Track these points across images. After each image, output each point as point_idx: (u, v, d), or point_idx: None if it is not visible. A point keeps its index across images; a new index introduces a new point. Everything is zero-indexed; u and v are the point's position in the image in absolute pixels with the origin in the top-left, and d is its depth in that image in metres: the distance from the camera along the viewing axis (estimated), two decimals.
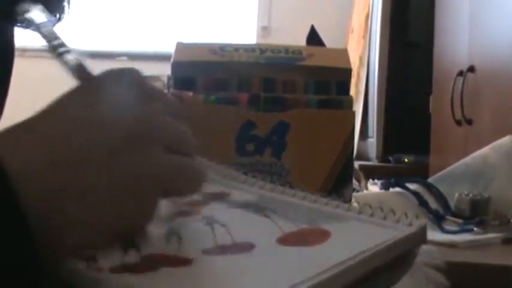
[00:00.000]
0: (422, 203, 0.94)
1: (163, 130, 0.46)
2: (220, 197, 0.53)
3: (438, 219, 0.92)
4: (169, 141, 0.46)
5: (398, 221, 0.47)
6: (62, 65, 0.49)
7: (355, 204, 0.51)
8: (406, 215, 0.47)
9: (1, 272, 0.37)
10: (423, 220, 0.47)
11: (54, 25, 0.52)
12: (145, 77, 0.49)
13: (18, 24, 0.59)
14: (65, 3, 0.60)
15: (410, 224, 0.46)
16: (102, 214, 0.42)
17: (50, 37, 0.51)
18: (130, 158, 0.43)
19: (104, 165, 0.42)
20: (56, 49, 0.50)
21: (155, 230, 0.47)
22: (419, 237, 0.46)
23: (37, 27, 0.52)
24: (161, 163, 0.45)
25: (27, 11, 0.53)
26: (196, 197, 0.52)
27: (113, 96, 0.46)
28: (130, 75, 0.48)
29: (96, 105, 0.45)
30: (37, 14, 0.53)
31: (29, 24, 0.53)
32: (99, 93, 0.46)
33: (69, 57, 0.50)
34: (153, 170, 0.44)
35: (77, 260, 0.42)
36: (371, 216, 0.48)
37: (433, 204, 0.96)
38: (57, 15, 0.60)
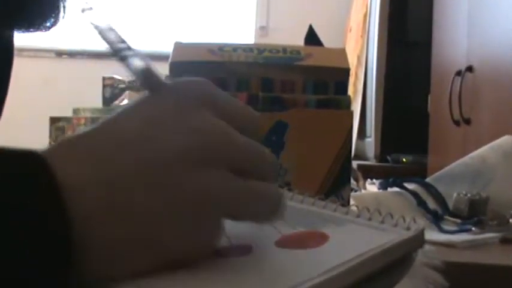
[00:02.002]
0: (421, 203, 0.94)
1: (231, 150, 0.42)
2: None
3: (436, 219, 0.92)
4: (237, 164, 0.42)
5: (396, 225, 0.47)
6: (126, 69, 0.45)
7: (353, 207, 0.51)
8: (404, 218, 0.47)
9: None
10: (421, 224, 0.47)
11: (115, 28, 0.48)
12: (217, 89, 0.45)
13: (23, 29, 0.58)
14: (61, 5, 0.60)
15: (408, 228, 0.46)
16: (154, 239, 0.39)
17: (113, 39, 0.46)
18: (188, 180, 0.40)
19: (157, 186, 0.39)
20: (120, 52, 0.46)
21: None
22: (417, 241, 0.46)
23: (98, 31, 0.48)
24: (224, 187, 0.41)
25: (86, 10, 0.51)
26: None
27: (178, 109, 0.42)
28: (204, 86, 0.45)
29: (156, 118, 0.41)
30: (97, 16, 0.49)
31: (93, 29, 0.49)
32: (166, 105, 0.42)
33: (135, 62, 0.45)
34: (214, 194, 0.40)
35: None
36: (369, 220, 0.48)
37: (432, 204, 0.96)
38: (54, 17, 0.60)
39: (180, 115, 0.42)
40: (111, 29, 0.46)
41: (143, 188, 0.39)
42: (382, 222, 0.48)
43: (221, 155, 0.41)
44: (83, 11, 0.47)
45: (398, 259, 0.45)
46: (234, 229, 0.46)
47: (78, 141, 0.41)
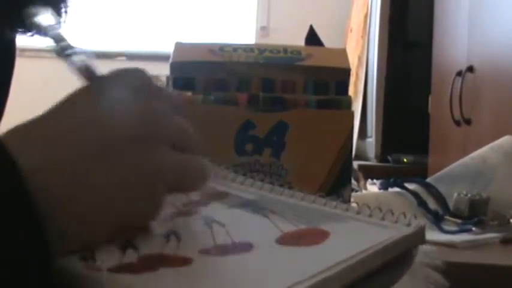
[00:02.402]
0: (421, 203, 0.94)
1: (168, 128, 0.47)
2: (219, 197, 0.53)
3: (437, 220, 0.92)
4: (173, 140, 0.47)
5: (396, 221, 0.47)
6: (69, 66, 0.50)
7: (353, 204, 0.51)
8: (404, 215, 0.47)
9: (12, 274, 0.38)
10: (422, 220, 0.47)
11: (60, 27, 0.53)
12: (151, 77, 0.50)
13: (22, 30, 0.59)
14: (63, 11, 0.61)
15: (408, 224, 0.46)
16: (108, 211, 0.43)
17: (57, 39, 0.52)
18: (136, 156, 0.44)
19: (110, 164, 0.43)
20: (63, 51, 0.51)
21: (154, 229, 0.47)
22: (418, 237, 0.46)
23: (44, 30, 0.53)
24: (166, 161, 0.46)
25: (35, 14, 0.54)
26: (195, 197, 0.52)
27: (119, 95, 0.47)
28: (136, 75, 0.49)
29: (102, 104, 0.46)
30: (44, 17, 0.54)
31: (35, 28, 0.54)
32: (105, 93, 0.47)
33: (76, 59, 0.50)
34: (159, 168, 0.45)
35: (74, 260, 0.42)
36: (369, 217, 0.48)
37: (432, 204, 0.96)
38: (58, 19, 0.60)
39: (121, 100, 0.46)
40: (55, 29, 0.52)
41: (96, 165, 0.43)
42: (383, 218, 0.48)
43: (161, 132, 0.46)
44: (31, 14, 0.53)
45: (399, 255, 0.45)
46: (234, 227, 0.46)
47: (30, 127, 0.44)
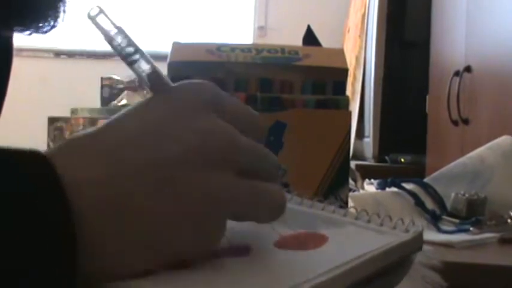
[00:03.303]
0: (419, 203, 0.94)
1: (238, 152, 0.43)
2: None
3: (434, 219, 0.92)
4: (245, 165, 0.43)
5: (395, 227, 0.47)
6: (135, 73, 0.46)
7: (352, 209, 0.51)
8: (402, 220, 0.47)
9: None
10: (420, 226, 0.47)
11: (123, 29, 0.48)
12: (224, 92, 0.45)
13: (20, 28, 0.58)
14: (61, 9, 0.60)
15: (407, 230, 0.46)
16: (157, 239, 0.39)
17: (121, 44, 0.47)
18: (192, 180, 0.40)
19: (162, 187, 0.39)
20: (128, 56, 0.46)
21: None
22: (416, 243, 0.46)
23: (106, 35, 0.48)
24: (229, 187, 0.41)
25: (97, 15, 0.51)
26: None
27: (183, 111, 0.43)
28: (209, 88, 0.45)
29: (162, 119, 0.42)
30: (104, 20, 0.50)
31: (100, 32, 0.50)
32: (172, 107, 0.43)
33: (143, 66, 0.46)
34: (218, 195, 0.41)
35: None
36: (368, 222, 0.48)
37: (430, 204, 0.96)
38: (54, 21, 0.60)
39: (185, 117, 0.42)
40: (119, 33, 0.47)
41: (145, 188, 0.39)
42: (381, 224, 0.48)
43: (225, 157, 0.42)
44: (89, 16, 0.48)
45: (397, 261, 0.45)
46: (233, 230, 0.46)
47: (81, 141, 0.41)
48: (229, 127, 0.43)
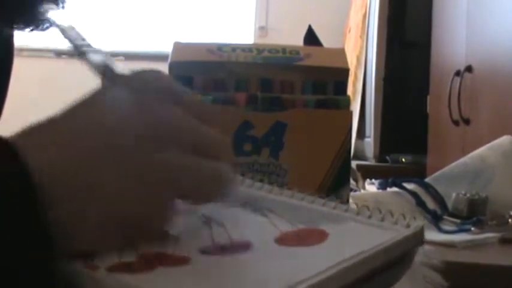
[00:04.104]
0: (420, 203, 0.94)
1: (181, 132, 0.46)
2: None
3: (436, 219, 0.92)
4: (189, 144, 0.45)
5: (396, 223, 0.47)
6: (88, 65, 0.49)
7: (353, 205, 0.51)
8: (404, 216, 0.47)
9: (20, 277, 0.38)
10: (421, 221, 0.47)
11: (75, 26, 0.53)
12: (172, 79, 0.49)
13: (21, 26, 0.59)
14: (61, 5, 0.60)
15: (408, 226, 0.46)
16: (115, 215, 0.43)
17: (74, 38, 0.51)
18: (145, 159, 0.43)
19: (118, 167, 0.43)
20: (80, 49, 0.50)
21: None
22: (417, 238, 0.46)
23: (61, 30, 0.52)
24: (177, 165, 0.44)
25: (47, 13, 0.54)
26: None
27: (137, 97, 0.46)
28: (155, 76, 0.48)
29: (119, 105, 0.45)
30: (60, 16, 0.54)
31: (50, 27, 0.54)
32: (124, 93, 0.46)
33: (95, 58, 0.50)
34: (167, 172, 0.44)
35: (73, 259, 0.42)
36: (369, 218, 0.48)
37: (431, 204, 0.96)
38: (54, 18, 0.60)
39: (138, 102, 0.45)
40: (73, 29, 0.51)
41: (108, 169, 0.42)
42: (382, 220, 0.48)
43: (171, 135, 0.45)
44: (47, 11, 0.52)
45: (398, 257, 0.45)
46: (233, 226, 0.46)
47: (44, 128, 0.43)
48: (177, 110, 0.46)
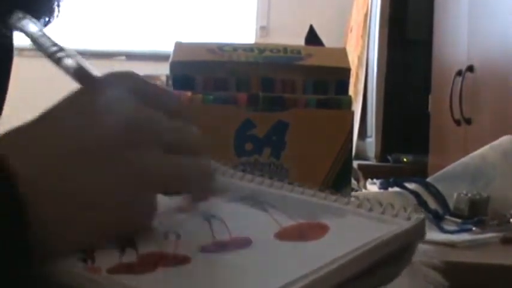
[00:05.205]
0: (421, 202, 0.94)
1: (158, 131, 0.47)
2: (218, 192, 0.53)
3: (437, 219, 0.92)
4: (167, 142, 0.46)
5: (396, 215, 0.47)
6: (62, 70, 0.51)
7: (353, 198, 0.51)
8: (404, 209, 0.47)
9: None
10: (421, 214, 0.47)
11: (45, 32, 0.53)
12: (147, 79, 0.49)
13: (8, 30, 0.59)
14: (55, 6, 0.61)
15: (409, 218, 0.46)
16: (99, 215, 0.43)
17: (46, 45, 0.52)
18: (126, 159, 0.44)
19: (100, 167, 0.43)
20: (54, 55, 0.51)
21: (152, 227, 0.47)
22: (418, 231, 0.46)
23: (31, 37, 0.53)
24: (158, 163, 0.45)
25: (20, 20, 0.55)
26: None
27: (111, 99, 0.46)
28: (130, 77, 0.49)
29: (94, 108, 0.46)
30: (29, 23, 0.55)
31: (21, 33, 0.55)
32: (98, 96, 0.47)
33: (69, 62, 0.51)
34: (150, 170, 0.45)
35: (74, 261, 0.42)
36: (370, 211, 0.48)
37: (432, 204, 0.96)
38: (48, 18, 0.60)
39: (111, 104, 0.46)
40: (44, 35, 0.52)
41: (83, 172, 0.43)
42: (383, 213, 0.47)
43: (149, 135, 0.46)
44: (17, 20, 0.53)
45: (399, 250, 0.45)
46: (233, 222, 0.46)
47: (19, 133, 0.44)
48: (151, 109, 0.47)
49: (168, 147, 0.46)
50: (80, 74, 0.50)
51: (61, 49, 0.51)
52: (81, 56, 0.51)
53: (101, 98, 0.46)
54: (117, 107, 0.46)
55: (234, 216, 0.46)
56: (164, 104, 0.49)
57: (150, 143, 0.45)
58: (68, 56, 0.51)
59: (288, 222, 0.47)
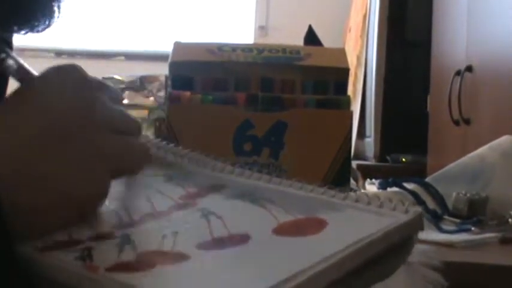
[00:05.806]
0: (420, 202, 0.94)
1: (107, 115, 0.50)
2: (216, 188, 0.53)
3: (436, 219, 0.92)
4: (113, 124, 0.50)
5: (394, 209, 0.47)
6: (3, 71, 0.53)
7: (351, 193, 0.51)
8: (402, 202, 0.47)
9: None
10: (419, 208, 0.47)
11: None
12: (84, 71, 0.52)
13: (16, 28, 0.60)
14: (55, 7, 0.61)
15: (406, 211, 0.46)
16: (57, 196, 0.46)
17: None
18: (79, 142, 0.47)
19: (55, 152, 0.46)
20: None
21: (150, 225, 0.47)
22: (416, 223, 0.46)
23: None
24: (108, 144, 0.49)
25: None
26: (192, 189, 0.52)
27: (57, 89, 0.49)
28: (71, 70, 0.51)
29: (42, 98, 0.48)
30: None
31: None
32: (44, 88, 0.49)
33: (9, 62, 0.54)
34: (102, 151, 0.48)
35: (71, 259, 0.42)
36: (368, 205, 0.48)
37: (431, 204, 0.96)
38: (48, 20, 0.60)
39: (58, 94, 0.49)
40: None
41: (40, 153, 0.46)
42: (381, 206, 0.47)
43: (99, 118, 0.49)
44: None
45: (397, 243, 0.45)
46: (231, 218, 0.46)
47: None
48: (96, 96, 0.50)
49: (114, 129, 0.50)
50: (20, 73, 0.53)
51: (2, 50, 0.54)
52: (19, 58, 0.54)
53: (47, 89, 0.49)
54: (65, 95, 0.49)
55: (232, 213, 0.46)
56: (106, 91, 0.52)
57: (99, 125, 0.49)
58: (9, 56, 0.54)
59: (286, 218, 0.47)
